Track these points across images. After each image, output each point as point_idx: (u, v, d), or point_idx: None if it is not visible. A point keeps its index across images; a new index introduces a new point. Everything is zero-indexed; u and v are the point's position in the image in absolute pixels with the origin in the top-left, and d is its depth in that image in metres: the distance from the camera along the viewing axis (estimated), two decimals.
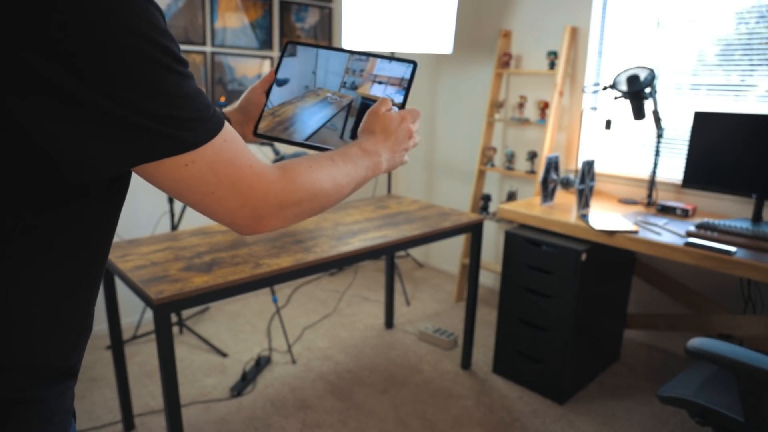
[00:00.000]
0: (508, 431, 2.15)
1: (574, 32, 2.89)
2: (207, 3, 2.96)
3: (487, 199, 3.32)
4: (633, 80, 2.45)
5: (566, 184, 2.58)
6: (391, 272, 2.93)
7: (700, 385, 1.56)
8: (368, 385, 2.45)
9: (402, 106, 0.83)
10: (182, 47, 2.91)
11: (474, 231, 2.41)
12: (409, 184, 4.04)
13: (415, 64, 0.84)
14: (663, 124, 2.51)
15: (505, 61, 3.15)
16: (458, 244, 3.77)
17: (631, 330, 2.90)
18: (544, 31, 3.04)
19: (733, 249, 1.87)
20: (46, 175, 0.50)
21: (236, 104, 0.91)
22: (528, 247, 2.31)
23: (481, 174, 3.31)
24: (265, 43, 3.26)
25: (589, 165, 2.43)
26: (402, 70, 0.84)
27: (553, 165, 2.48)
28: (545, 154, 2.92)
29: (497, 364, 2.54)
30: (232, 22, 3.09)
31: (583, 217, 2.27)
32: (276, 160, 2.44)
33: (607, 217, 2.26)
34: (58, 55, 0.45)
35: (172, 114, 0.52)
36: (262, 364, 2.54)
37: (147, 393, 2.36)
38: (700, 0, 2.51)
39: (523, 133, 3.25)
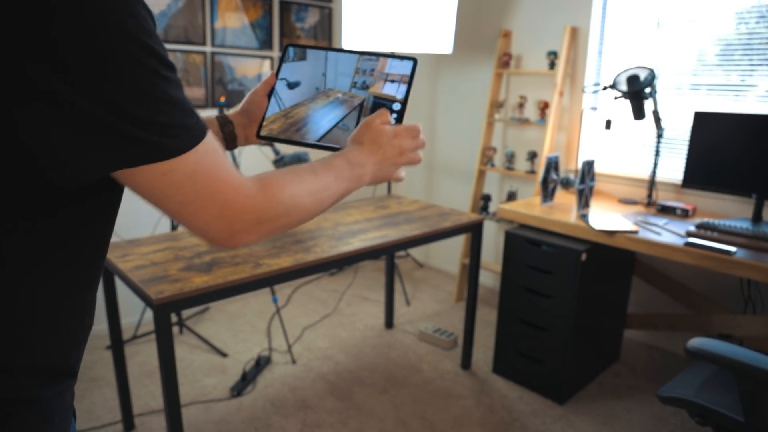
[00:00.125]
0: (508, 431, 2.15)
1: (574, 32, 2.89)
2: (207, 3, 2.96)
3: (487, 199, 3.32)
4: (633, 80, 2.45)
5: (566, 184, 2.58)
6: (391, 272, 2.93)
7: (700, 385, 1.56)
8: (368, 385, 2.45)
9: (404, 102, 0.83)
10: (182, 47, 2.91)
11: (474, 231, 2.41)
12: (409, 184, 4.04)
13: (415, 61, 0.84)
14: (663, 124, 2.51)
15: (505, 61, 3.15)
16: (458, 244, 3.77)
17: (631, 330, 2.90)
18: (544, 31, 3.04)
19: (733, 249, 1.87)
20: (36, 180, 0.50)
21: (239, 107, 0.91)
22: (528, 247, 2.31)
23: (481, 174, 3.31)
24: (265, 43, 3.26)
25: (589, 165, 2.43)
26: (405, 68, 0.84)
27: (553, 165, 2.48)
28: (545, 154, 2.92)
29: (497, 364, 2.54)
30: (232, 22, 3.09)
31: (583, 217, 2.27)
32: (276, 161, 2.44)
33: (607, 217, 2.26)
34: (46, 56, 0.45)
35: (156, 119, 0.51)
36: (262, 364, 2.54)
37: (147, 393, 2.36)
38: (700, 0, 2.51)
39: (523, 133, 3.25)
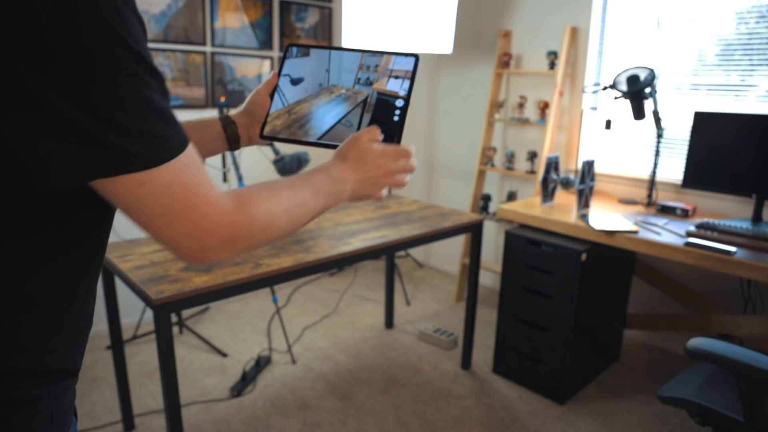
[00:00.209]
0: (508, 431, 2.15)
1: (574, 32, 2.89)
2: (207, 3, 2.96)
3: (487, 199, 3.32)
4: (633, 80, 2.45)
5: (566, 184, 2.58)
6: (391, 272, 2.93)
7: (700, 385, 1.56)
8: (368, 385, 2.45)
9: (406, 99, 0.82)
10: (182, 47, 2.91)
11: (474, 231, 2.41)
12: (409, 184, 4.03)
13: (416, 57, 0.84)
14: (663, 124, 2.51)
15: (505, 61, 3.15)
16: (458, 244, 3.77)
17: (631, 330, 2.90)
18: (544, 31, 3.04)
19: (733, 249, 1.87)
20: (28, 187, 0.50)
21: (241, 107, 0.91)
22: (528, 247, 2.31)
23: (481, 174, 3.31)
24: (265, 43, 3.26)
25: (589, 165, 2.43)
26: (408, 64, 0.84)
27: (553, 165, 2.48)
28: (545, 154, 2.92)
29: (497, 364, 2.54)
30: (232, 22, 3.09)
31: (583, 217, 2.27)
32: (276, 161, 2.44)
33: (607, 217, 2.26)
34: (34, 58, 0.45)
35: (137, 127, 0.50)
36: (262, 364, 2.54)
37: (147, 393, 2.36)
38: (700, 0, 2.51)
39: (523, 133, 3.25)
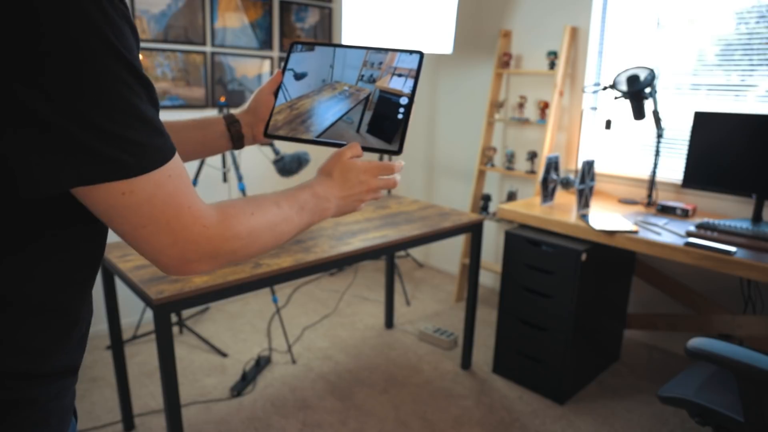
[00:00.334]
0: (508, 431, 2.15)
1: (574, 32, 2.89)
2: (207, 3, 2.96)
3: (487, 199, 3.32)
4: (633, 80, 2.45)
5: (566, 184, 2.58)
6: (391, 272, 2.93)
7: (700, 385, 1.56)
8: (368, 385, 2.45)
9: (411, 97, 0.82)
10: (182, 47, 2.91)
11: (474, 231, 2.41)
12: (409, 184, 4.04)
13: (421, 54, 0.83)
14: (663, 124, 2.51)
15: (505, 61, 3.15)
16: (458, 244, 3.77)
17: (631, 330, 2.90)
18: (544, 31, 3.04)
19: (733, 249, 1.87)
20: (17, 194, 0.50)
21: (245, 106, 0.90)
22: (528, 247, 2.31)
23: (481, 174, 3.31)
24: (265, 43, 3.26)
25: (589, 165, 2.43)
26: (412, 62, 0.83)
27: (553, 165, 2.48)
28: (545, 154, 2.92)
29: (497, 364, 2.54)
30: (232, 22, 3.09)
31: (583, 217, 2.27)
32: (276, 161, 2.44)
33: (607, 217, 2.26)
34: (25, 67, 0.45)
35: (122, 134, 0.49)
36: (262, 364, 2.54)
37: (147, 393, 2.36)
38: (700, 0, 2.51)
39: (523, 133, 3.25)
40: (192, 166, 2.92)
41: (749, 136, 2.17)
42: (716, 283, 2.57)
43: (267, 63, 3.29)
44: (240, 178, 2.63)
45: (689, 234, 2.06)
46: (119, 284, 2.77)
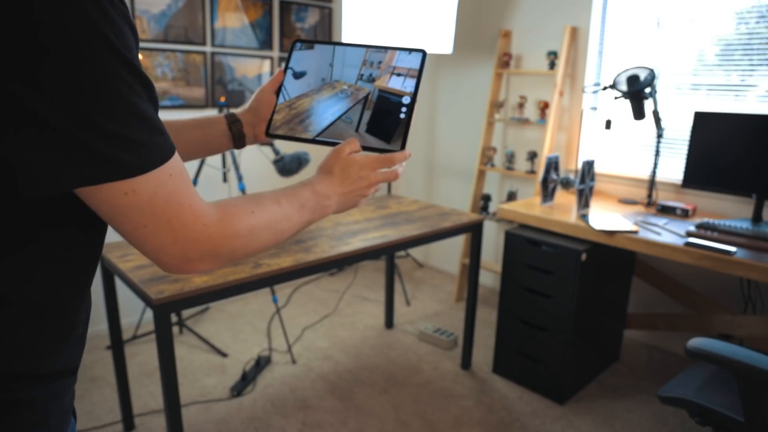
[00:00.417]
0: (508, 431, 2.15)
1: (574, 32, 2.89)
2: (207, 3, 2.96)
3: (487, 199, 3.32)
4: (633, 80, 2.45)
5: (566, 184, 2.58)
6: (391, 272, 2.93)
7: (700, 385, 1.56)
8: (368, 385, 2.45)
9: (413, 97, 0.81)
10: (182, 47, 2.91)
11: (474, 231, 2.41)
12: (409, 184, 4.04)
13: (424, 53, 0.82)
14: (663, 124, 2.51)
15: (505, 61, 3.15)
16: (458, 244, 3.77)
17: (631, 330, 2.90)
18: (544, 31, 3.04)
19: (733, 249, 1.87)
20: (17, 194, 0.50)
21: (247, 105, 0.90)
22: (528, 247, 2.31)
23: (481, 174, 3.31)
24: (265, 43, 3.26)
25: (589, 165, 2.43)
26: (416, 61, 0.82)
27: (553, 165, 2.48)
28: (545, 154, 2.92)
29: (497, 364, 2.54)
30: (232, 22, 3.09)
31: (583, 217, 2.27)
32: (276, 160, 2.44)
33: (607, 217, 2.26)
34: (23, 66, 0.44)
35: (122, 134, 0.49)
36: (262, 364, 2.54)
37: (147, 393, 2.36)
38: (700, 0, 2.51)
39: (523, 133, 3.25)
40: (192, 165, 2.92)
41: (749, 136, 2.17)
42: (716, 283, 2.57)
43: (267, 63, 3.29)
44: (240, 178, 2.63)
45: (689, 234, 2.06)
46: (119, 284, 2.77)
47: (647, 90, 2.44)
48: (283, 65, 0.90)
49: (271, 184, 3.41)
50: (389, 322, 3.01)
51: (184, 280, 1.59)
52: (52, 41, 0.45)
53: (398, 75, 0.82)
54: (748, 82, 2.41)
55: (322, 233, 2.10)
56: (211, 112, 3.11)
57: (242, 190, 2.64)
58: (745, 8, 2.38)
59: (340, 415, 2.23)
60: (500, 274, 2.48)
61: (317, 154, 3.40)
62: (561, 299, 2.22)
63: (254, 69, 3.24)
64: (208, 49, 3.02)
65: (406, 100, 0.81)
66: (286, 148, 3.04)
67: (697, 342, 1.40)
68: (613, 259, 2.38)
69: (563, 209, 2.44)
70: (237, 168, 2.66)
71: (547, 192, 2.50)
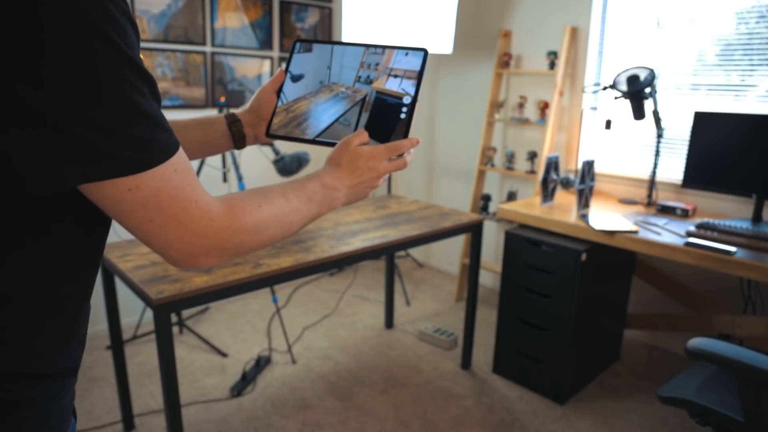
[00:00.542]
0: (508, 431, 2.15)
1: (574, 32, 2.89)
2: (207, 3, 2.96)
3: (487, 199, 3.32)
4: (633, 80, 2.45)
5: (566, 184, 2.58)
6: (391, 272, 2.93)
7: (700, 385, 1.56)
8: (368, 385, 2.45)
9: (414, 97, 0.81)
10: (182, 47, 2.91)
11: (474, 231, 2.41)
12: (409, 184, 4.04)
13: (425, 52, 0.82)
14: (663, 124, 2.51)
15: (505, 61, 3.15)
16: (458, 244, 3.77)
17: (631, 330, 2.90)
18: (544, 31, 3.04)
19: (733, 249, 1.87)
20: (20, 192, 0.50)
21: (247, 105, 0.90)
22: (528, 247, 2.31)
23: (481, 174, 3.31)
24: (265, 43, 3.26)
25: (589, 165, 2.43)
26: (415, 61, 0.82)
27: (553, 165, 2.48)
28: (545, 154, 2.92)
29: (497, 364, 2.54)
30: (232, 22, 3.09)
31: (583, 217, 2.27)
32: (276, 160, 2.44)
33: (607, 217, 2.26)
34: (24, 65, 0.45)
35: (126, 131, 0.50)
36: (262, 364, 2.54)
37: (147, 393, 2.36)
38: (700, 0, 2.51)
39: (523, 133, 3.25)
40: (192, 166, 2.91)
41: (749, 136, 2.17)
42: (716, 283, 2.57)
43: (267, 63, 3.29)
44: (240, 178, 2.63)
45: (689, 234, 2.06)
46: (119, 284, 2.77)
47: (647, 90, 2.44)
48: (284, 65, 0.90)
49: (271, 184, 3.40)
50: (389, 322, 3.01)
51: (184, 280, 1.59)
52: (54, 40, 0.45)
53: (395, 77, 0.82)
54: (748, 82, 2.41)
55: (322, 233, 2.10)
56: (211, 112, 3.11)
57: (242, 190, 2.64)
58: (745, 8, 2.38)
59: (340, 415, 2.23)
60: (500, 274, 2.48)
61: (317, 154, 3.40)
62: (561, 299, 2.22)
63: (254, 69, 3.24)
64: (208, 49, 3.02)
65: (406, 100, 0.80)
66: (286, 148, 3.05)
67: (697, 342, 1.40)
68: (613, 259, 2.38)
69: (563, 209, 2.44)
70: (237, 168, 2.66)
71: (547, 192, 2.50)
